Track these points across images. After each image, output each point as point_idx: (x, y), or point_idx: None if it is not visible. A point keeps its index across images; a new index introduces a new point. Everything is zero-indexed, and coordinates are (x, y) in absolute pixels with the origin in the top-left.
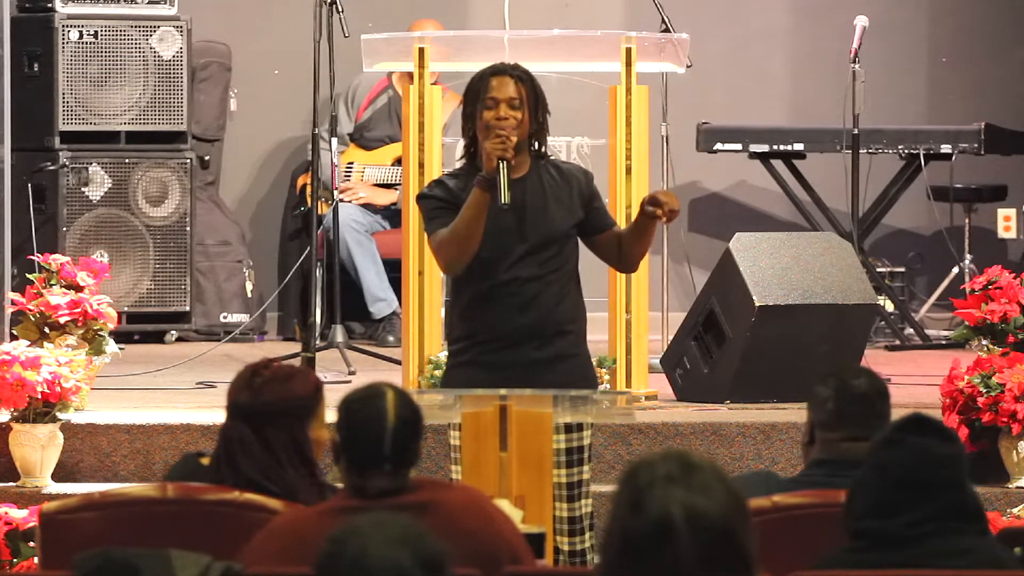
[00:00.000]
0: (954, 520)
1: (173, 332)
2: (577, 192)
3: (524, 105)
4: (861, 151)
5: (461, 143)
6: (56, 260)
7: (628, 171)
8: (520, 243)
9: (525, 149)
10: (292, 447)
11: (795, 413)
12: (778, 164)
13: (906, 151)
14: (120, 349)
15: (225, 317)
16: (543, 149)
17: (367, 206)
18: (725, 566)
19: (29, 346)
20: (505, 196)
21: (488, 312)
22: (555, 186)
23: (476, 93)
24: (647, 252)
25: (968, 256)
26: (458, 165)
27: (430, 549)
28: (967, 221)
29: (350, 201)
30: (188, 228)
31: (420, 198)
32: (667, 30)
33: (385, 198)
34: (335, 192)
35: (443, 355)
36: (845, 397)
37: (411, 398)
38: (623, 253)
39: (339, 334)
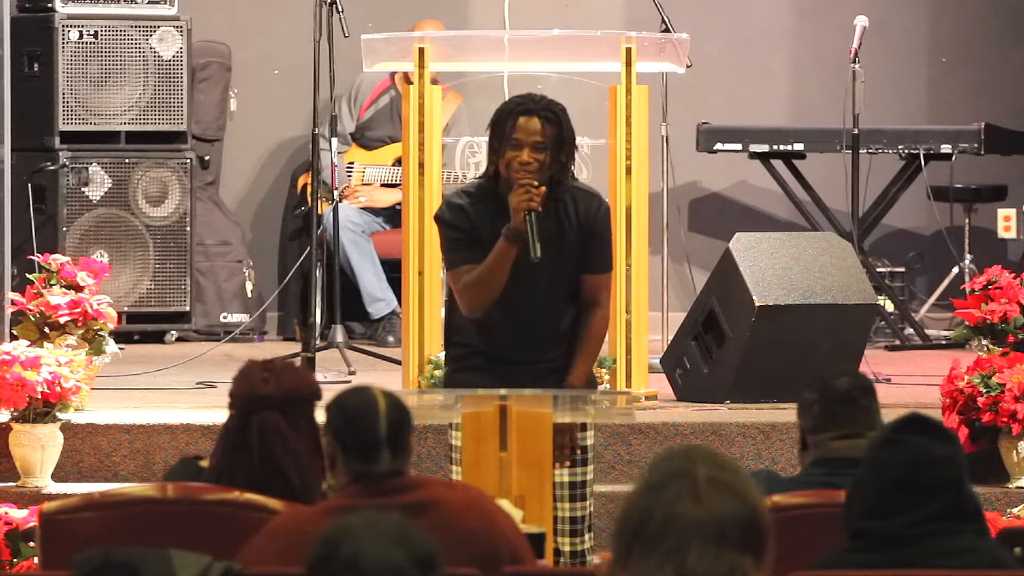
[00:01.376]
0: (952, 520)
1: (173, 332)
2: (583, 217)
3: (549, 147)
4: (861, 151)
5: (462, 143)
6: (56, 260)
7: (628, 171)
8: (535, 276)
9: (543, 182)
10: (312, 435)
11: (795, 413)
12: (778, 164)
13: (906, 151)
14: (120, 349)
15: (225, 317)
16: (563, 180)
17: (367, 207)
18: (741, 537)
19: (29, 346)
20: (537, 250)
21: (496, 331)
22: (567, 215)
23: (503, 130)
24: None
25: (968, 256)
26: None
27: (423, 546)
28: (967, 221)
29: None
30: (188, 228)
31: (440, 222)
32: (667, 30)
33: (388, 198)
34: (335, 192)
35: (443, 355)
36: (829, 397)
37: (394, 394)
38: (577, 329)
39: (339, 334)
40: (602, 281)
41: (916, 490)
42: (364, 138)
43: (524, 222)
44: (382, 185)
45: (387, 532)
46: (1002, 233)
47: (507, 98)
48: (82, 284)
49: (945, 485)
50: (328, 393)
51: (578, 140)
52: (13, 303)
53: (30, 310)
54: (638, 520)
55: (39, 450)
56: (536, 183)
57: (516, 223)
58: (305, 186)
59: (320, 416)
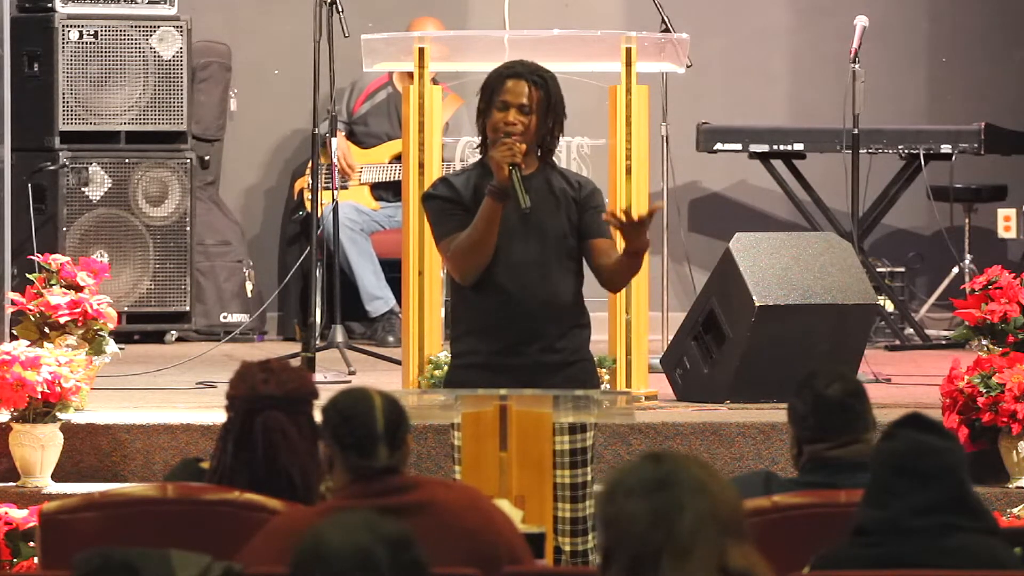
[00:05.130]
0: (954, 514)
1: (173, 332)
2: (577, 192)
3: (535, 111)
4: (861, 151)
5: (462, 143)
6: (56, 260)
7: (628, 171)
8: (528, 243)
9: (532, 151)
10: (312, 434)
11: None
12: (778, 164)
13: (906, 151)
14: (120, 349)
15: (225, 317)
16: (551, 154)
17: (361, 208)
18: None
19: (29, 346)
20: (525, 200)
21: (493, 312)
22: (560, 188)
23: (491, 92)
24: (630, 280)
25: (968, 256)
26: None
27: (393, 530)
28: (967, 221)
29: (345, 186)
30: (188, 228)
31: (425, 198)
32: (667, 30)
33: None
34: (335, 193)
35: (443, 355)
36: (823, 410)
37: (389, 393)
38: (610, 272)
39: (339, 334)
40: (613, 245)
41: (914, 477)
42: (360, 134)
43: (509, 176)
44: (376, 184)
45: (353, 523)
46: (1002, 233)
47: None
48: (82, 284)
49: (943, 475)
50: (327, 393)
51: (578, 140)
52: (13, 303)
53: (30, 310)
54: (613, 535)
55: (39, 450)
56: (517, 141)
57: (500, 178)
58: (302, 191)
59: (317, 418)
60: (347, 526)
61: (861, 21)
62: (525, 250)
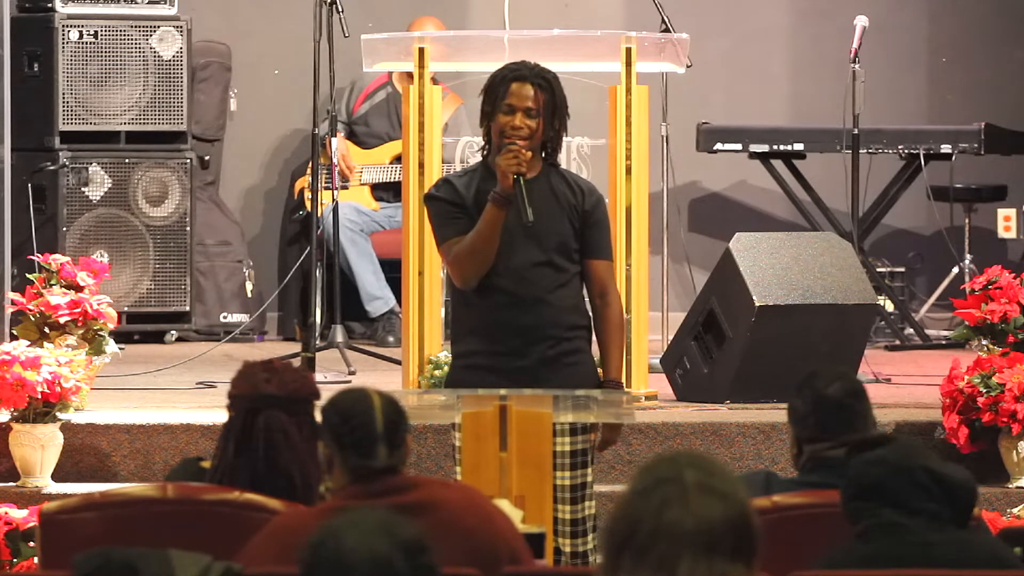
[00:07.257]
0: (937, 502)
1: (173, 332)
2: (581, 202)
3: (541, 113)
4: (861, 151)
5: (462, 143)
6: (56, 260)
7: (628, 171)
8: (529, 246)
9: (537, 153)
10: (313, 435)
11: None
12: (778, 164)
13: (906, 151)
14: (120, 349)
15: (225, 317)
16: (555, 155)
17: (361, 208)
18: (733, 545)
19: (29, 346)
20: (529, 214)
21: (495, 314)
22: (563, 192)
23: (495, 95)
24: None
25: (968, 256)
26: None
27: (408, 533)
28: (967, 221)
29: (346, 186)
30: (188, 228)
31: (428, 199)
32: (667, 30)
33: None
34: (335, 193)
35: (443, 355)
36: (824, 409)
37: (388, 393)
38: (596, 323)
39: (339, 334)
40: (609, 268)
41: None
42: (360, 134)
43: (514, 186)
44: (376, 184)
45: (370, 525)
46: (1002, 233)
47: None
48: (82, 284)
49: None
50: (327, 393)
51: (578, 140)
52: (13, 303)
53: (30, 310)
54: (627, 528)
55: (39, 450)
56: (523, 147)
57: (504, 186)
58: (302, 191)
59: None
60: (365, 530)
61: (861, 21)
62: (526, 252)
